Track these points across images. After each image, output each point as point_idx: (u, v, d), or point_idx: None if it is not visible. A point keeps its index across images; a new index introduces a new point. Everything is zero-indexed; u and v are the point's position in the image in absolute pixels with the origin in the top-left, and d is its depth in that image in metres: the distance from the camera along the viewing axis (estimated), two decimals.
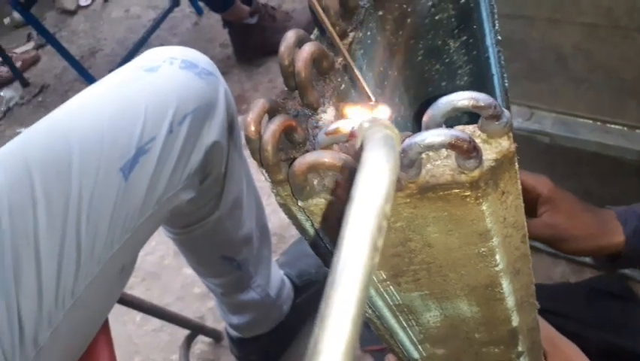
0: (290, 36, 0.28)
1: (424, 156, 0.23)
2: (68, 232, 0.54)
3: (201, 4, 2.10)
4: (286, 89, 0.29)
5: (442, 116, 0.22)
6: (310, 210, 0.25)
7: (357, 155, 0.22)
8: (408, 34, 0.36)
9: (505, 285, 0.31)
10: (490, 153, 0.23)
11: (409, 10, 0.35)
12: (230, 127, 0.71)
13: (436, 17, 0.36)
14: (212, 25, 2.11)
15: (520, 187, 0.25)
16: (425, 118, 0.22)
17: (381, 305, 0.34)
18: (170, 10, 2.13)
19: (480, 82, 0.43)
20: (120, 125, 0.59)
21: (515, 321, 0.35)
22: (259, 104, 0.26)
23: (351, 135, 0.20)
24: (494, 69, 0.44)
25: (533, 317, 0.38)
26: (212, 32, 2.08)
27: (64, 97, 2.09)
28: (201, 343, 1.20)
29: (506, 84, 0.48)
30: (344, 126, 0.21)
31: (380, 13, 0.33)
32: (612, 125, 0.75)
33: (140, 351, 1.21)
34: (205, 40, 2.05)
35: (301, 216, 0.28)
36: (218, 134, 0.67)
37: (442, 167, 0.23)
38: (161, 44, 0.69)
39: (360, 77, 0.25)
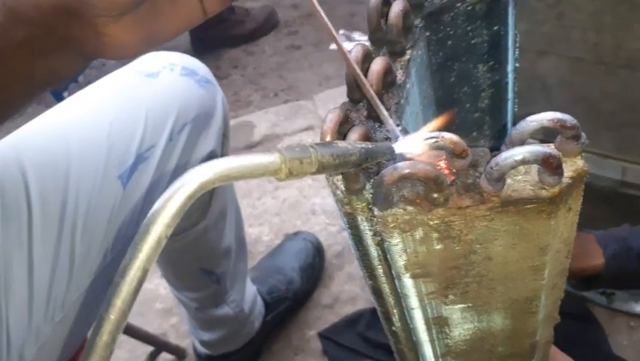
0: (358, 50, 0.29)
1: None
2: (64, 239, 0.51)
3: None
4: (348, 100, 0.30)
5: (529, 133, 0.23)
6: (386, 219, 0.25)
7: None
8: (447, 55, 0.37)
9: (543, 298, 0.32)
10: (566, 170, 0.24)
11: (451, 32, 0.36)
12: (225, 136, 0.70)
13: (472, 41, 0.38)
14: None
15: (580, 204, 0.27)
16: (514, 134, 0.23)
17: (419, 318, 0.34)
18: None
19: (497, 105, 0.45)
20: (120, 131, 0.57)
21: (539, 334, 0.37)
22: (335, 115, 0.26)
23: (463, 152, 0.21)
24: (510, 94, 0.46)
25: (551, 331, 0.39)
26: None
27: None
28: None
29: (516, 108, 0.50)
30: (447, 137, 0.22)
31: (427, 34, 0.35)
32: (585, 153, 0.80)
33: None
34: None
35: (365, 227, 0.28)
36: (215, 143, 0.66)
37: (522, 182, 0.24)
38: None
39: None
